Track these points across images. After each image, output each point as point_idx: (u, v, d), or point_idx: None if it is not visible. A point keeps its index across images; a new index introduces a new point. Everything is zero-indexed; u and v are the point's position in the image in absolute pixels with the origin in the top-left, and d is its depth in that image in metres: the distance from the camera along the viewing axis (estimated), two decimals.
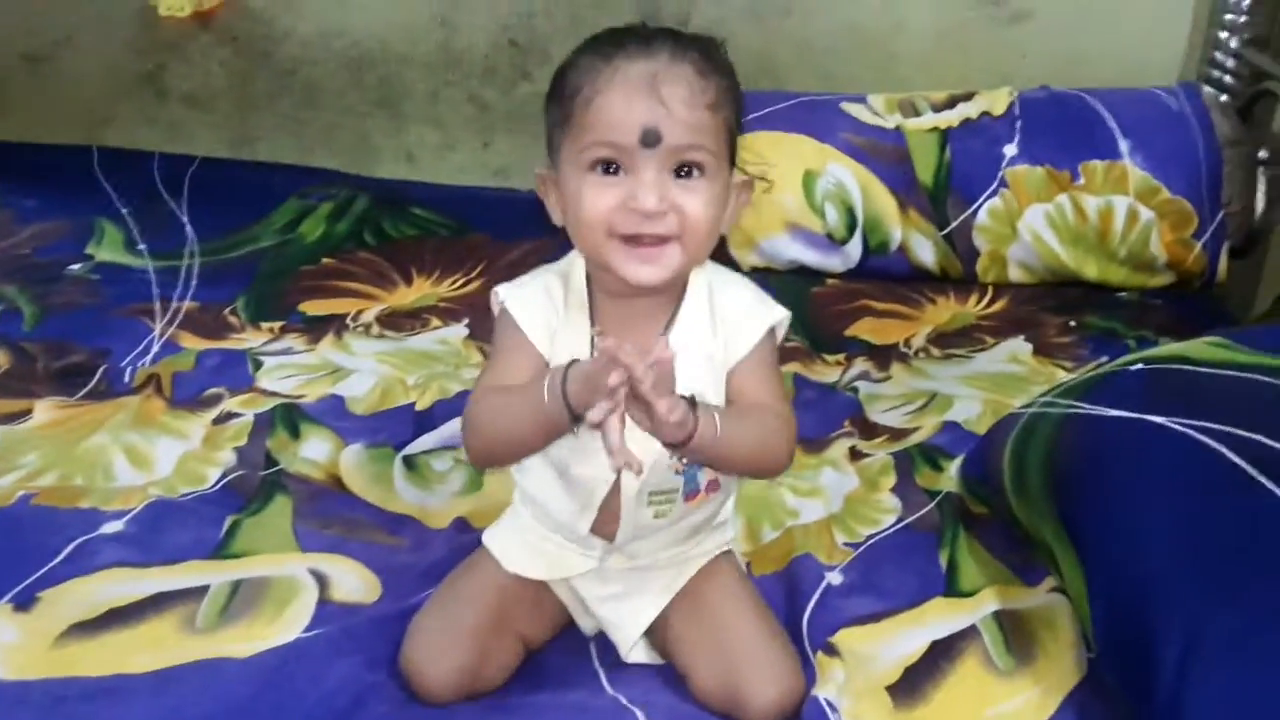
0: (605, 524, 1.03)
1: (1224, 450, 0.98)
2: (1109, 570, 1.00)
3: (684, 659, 1.03)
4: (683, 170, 0.92)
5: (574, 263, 1.01)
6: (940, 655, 1.07)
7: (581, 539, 1.04)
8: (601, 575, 1.06)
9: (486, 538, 1.10)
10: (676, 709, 1.01)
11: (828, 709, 1.00)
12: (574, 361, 0.91)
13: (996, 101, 1.88)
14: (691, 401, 0.90)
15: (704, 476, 1.03)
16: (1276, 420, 0.98)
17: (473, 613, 1.03)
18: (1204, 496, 0.97)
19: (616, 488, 1.00)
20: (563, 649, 1.09)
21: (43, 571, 1.15)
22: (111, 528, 1.23)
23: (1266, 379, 1.06)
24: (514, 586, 1.06)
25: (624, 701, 1.02)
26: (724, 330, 1.00)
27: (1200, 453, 0.99)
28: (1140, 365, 1.17)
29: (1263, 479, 0.93)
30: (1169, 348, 1.21)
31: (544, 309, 0.99)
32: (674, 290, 1.00)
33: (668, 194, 0.91)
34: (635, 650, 1.06)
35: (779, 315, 1.02)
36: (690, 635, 1.03)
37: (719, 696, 1.00)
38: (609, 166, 0.92)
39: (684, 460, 0.98)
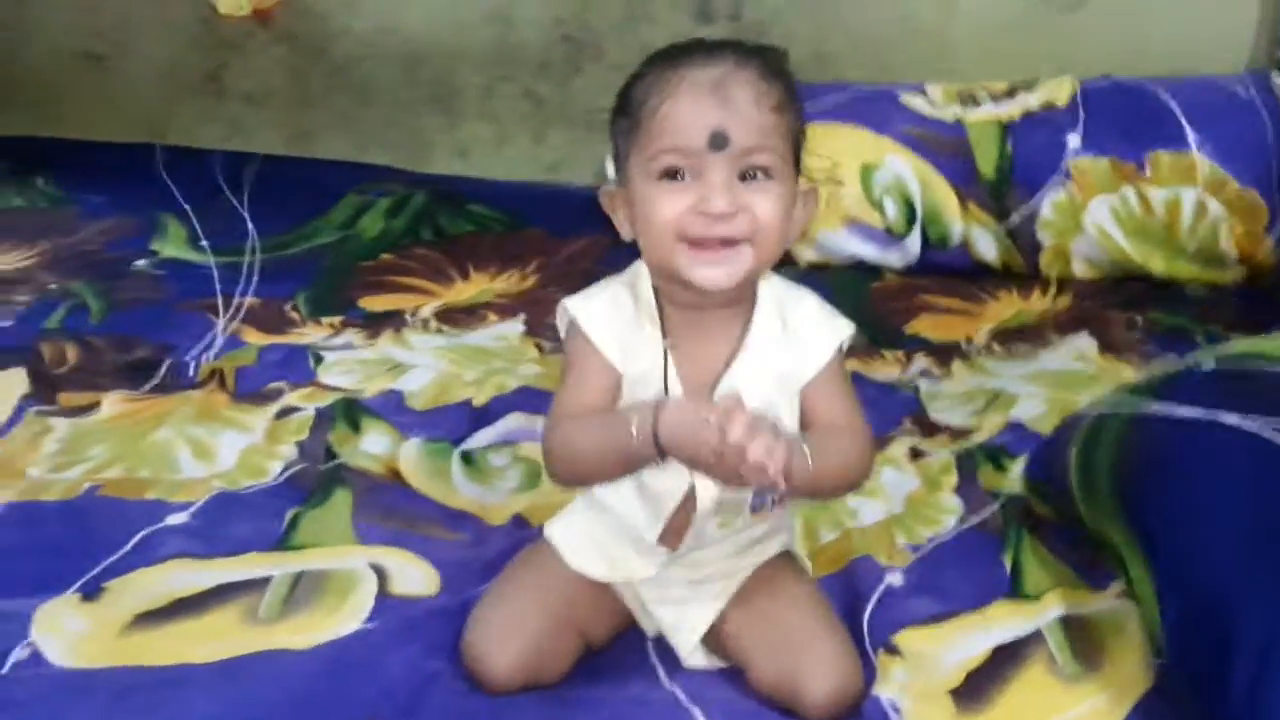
0: (669, 534, 1.02)
1: None
2: (1180, 575, 0.98)
3: (742, 653, 1.03)
4: (750, 174, 0.92)
5: (639, 274, 1.01)
6: (1005, 660, 1.05)
7: (646, 547, 1.04)
8: (661, 581, 1.05)
9: (549, 530, 1.09)
10: (735, 704, 1.01)
11: (890, 710, 0.99)
12: (662, 401, 0.92)
13: (1059, 91, 1.85)
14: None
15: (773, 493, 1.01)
16: None
17: (536, 605, 1.03)
18: (1278, 499, 0.94)
19: (688, 499, 0.99)
20: (621, 644, 1.08)
21: (109, 562, 1.17)
22: (176, 519, 1.24)
23: None
24: (576, 582, 1.05)
25: (682, 698, 1.01)
26: (795, 346, 0.99)
27: (1276, 455, 0.96)
28: (1212, 362, 1.14)
29: None
30: (1241, 344, 1.18)
31: (613, 321, 0.99)
32: (744, 303, 0.99)
33: (738, 196, 0.91)
34: (694, 655, 1.05)
35: (848, 330, 1.01)
36: (749, 629, 1.03)
37: (777, 689, 0.99)
38: (677, 174, 0.92)
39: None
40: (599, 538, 1.06)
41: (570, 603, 1.04)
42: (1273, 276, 1.78)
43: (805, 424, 1.00)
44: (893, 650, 1.06)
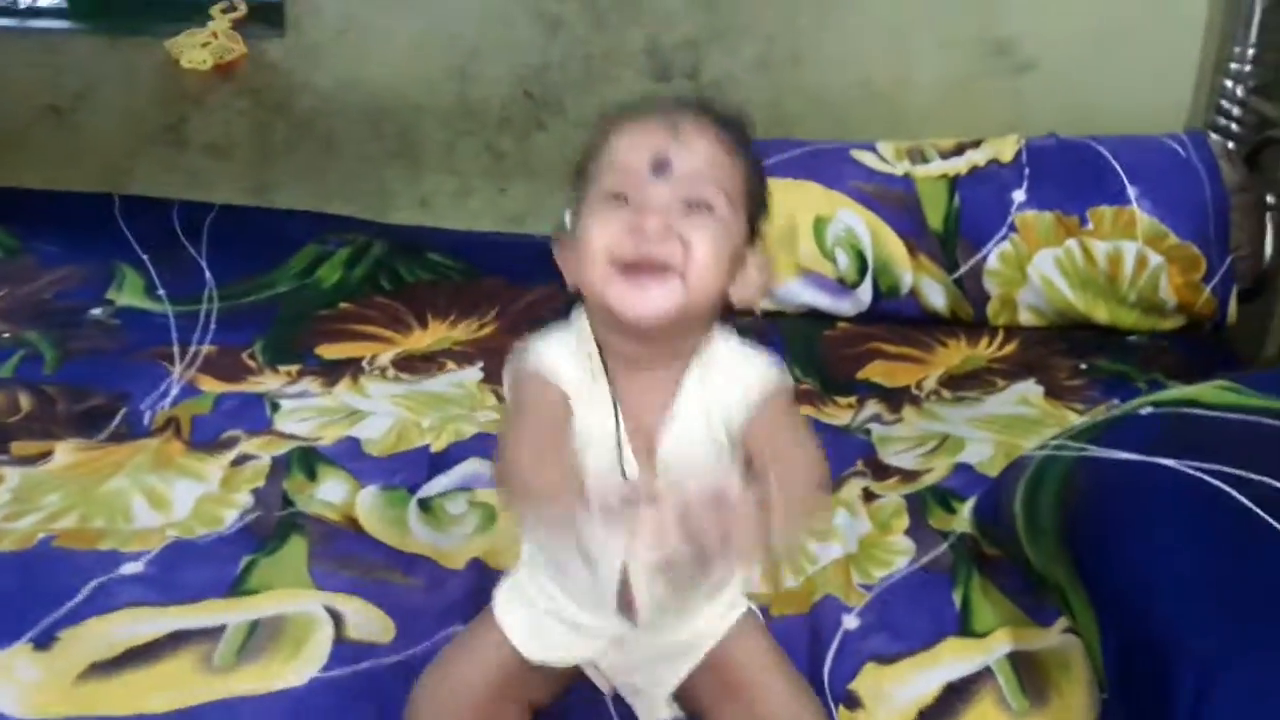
0: (625, 604, 1.00)
1: (1234, 493, 0.99)
2: (1120, 613, 1.01)
3: None
4: (694, 206, 0.90)
5: (582, 329, 0.97)
6: (955, 697, 1.08)
7: (592, 623, 1.01)
8: (624, 654, 1.03)
9: (496, 603, 1.05)
10: None
11: None
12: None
13: (1004, 149, 1.91)
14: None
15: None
16: None
17: (476, 683, 1.01)
18: (1215, 540, 0.98)
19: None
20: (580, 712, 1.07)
21: (62, 612, 1.16)
22: (130, 569, 1.24)
23: (1275, 422, 1.07)
24: (521, 665, 1.02)
25: None
26: (718, 388, 0.95)
27: (1210, 496, 1.00)
28: (1150, 408, 1.18)
29: (1273, 522, 0.94)
30: (1179, 391, 1.22)
31: (566, 366, 0.95)
32: (684, 357, 0.96)
33: (675, 222, 0.89)
34: (659, 710, 1.04)
35: (773, 373, 0.97)
36: (719, 703, 1.01)
37: None
38: (620, 200, 0.90)
39: None
40: (541, 617, 1.03)
41: (514, 676, 1.02)
42: (1210, 324, 1.84)
43: (751, 463, 0.94)
44: (852, 703, 1.07)
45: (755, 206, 0.96)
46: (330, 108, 2.35)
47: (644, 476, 0.91)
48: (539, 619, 1.03)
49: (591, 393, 0.95)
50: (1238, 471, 1.01)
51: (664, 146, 0.89)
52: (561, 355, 0.95)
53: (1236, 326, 1.85)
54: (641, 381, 0.95)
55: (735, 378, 0.96)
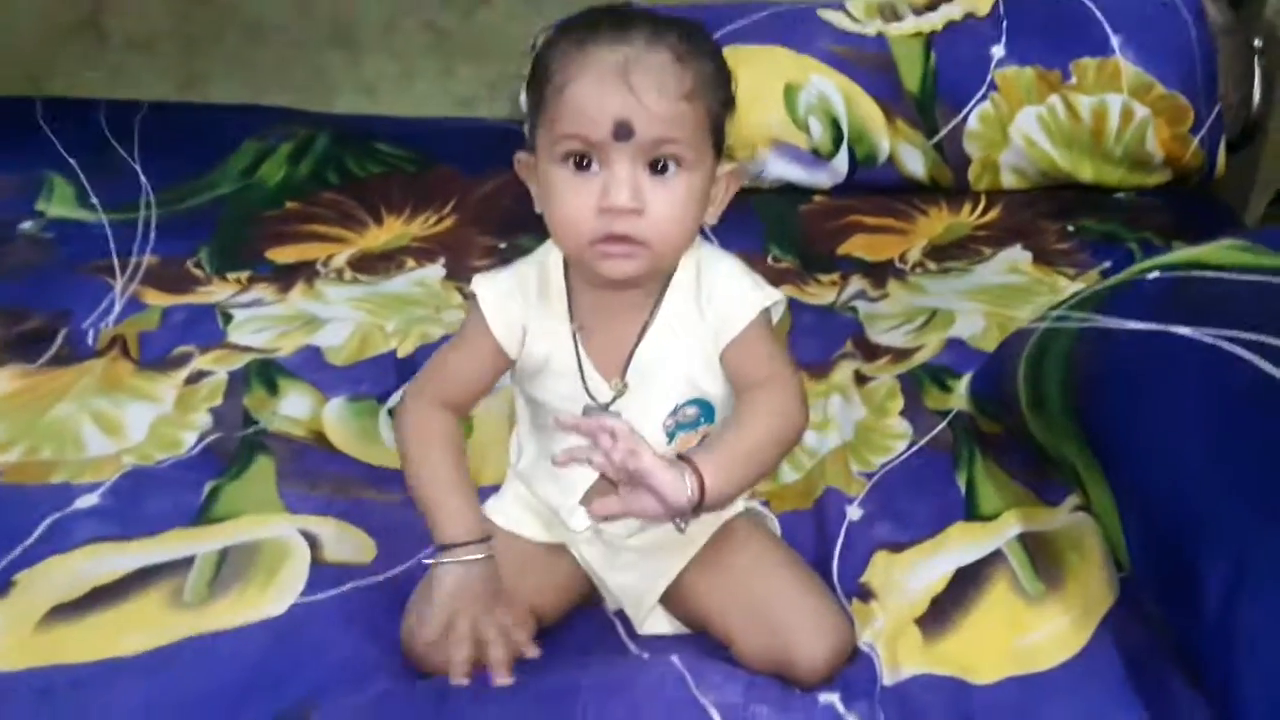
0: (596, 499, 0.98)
1: (1256, 359, 0.93)
2: (1141, 489, 0.96)
3: (720, 626, 0.98)
4: (658, 164, 0.87)
5: (550, 252, 0.97)
6: (967, 582, 1.03)
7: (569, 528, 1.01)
8: (610, 550, 1.01)
9: (487, 506, 1.04)
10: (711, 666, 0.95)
11: (871, 652, 0.97)
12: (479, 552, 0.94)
13: (980, 1, 1.81)
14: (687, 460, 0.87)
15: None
16: None
17: None
18: (1239, 410, 0.92)
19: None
20: (584, 625, 1.03)
21: (17, 553, 1.08)
22: (86, 501, 1.16)
23: None
24: (521, 553, 1.01)
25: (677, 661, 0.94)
26: (712, 313, 0.95)
27: (1231, 364, 0.94)
28: (1158, 273, 1.12)
29: None
30: (1185, 253, 1.16)
31: (515, 305, 0.97)
32: (656, 282, 0.95)
33: (641, 189, 0.87)
34: (652, 620, 1.02)
35: (772, 298, 0.96)
36: (722, 600, 0.98)
37: (766, 659, 0.94)
38: (582, 160, 0.88)
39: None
40: (533, 503, 1.03)
41: (516, 577, 0.98)
42: (1199, 176, 1.78)
43: (734, 387, 0.97)
44: (865, 595, 1.03)
45: (721, 119, 0.91)
46: None
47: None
48: (526, 506, 1.04)
49: (550, 320, 0.97)
50: (1256, 336, 0.96)
51: (623, 108, 0.85)
52: (514, 290, 0.97)
53: (1222, 179, 1.79)
54: (611, 306, 0.96)
55: (729, 308, 0.95)
